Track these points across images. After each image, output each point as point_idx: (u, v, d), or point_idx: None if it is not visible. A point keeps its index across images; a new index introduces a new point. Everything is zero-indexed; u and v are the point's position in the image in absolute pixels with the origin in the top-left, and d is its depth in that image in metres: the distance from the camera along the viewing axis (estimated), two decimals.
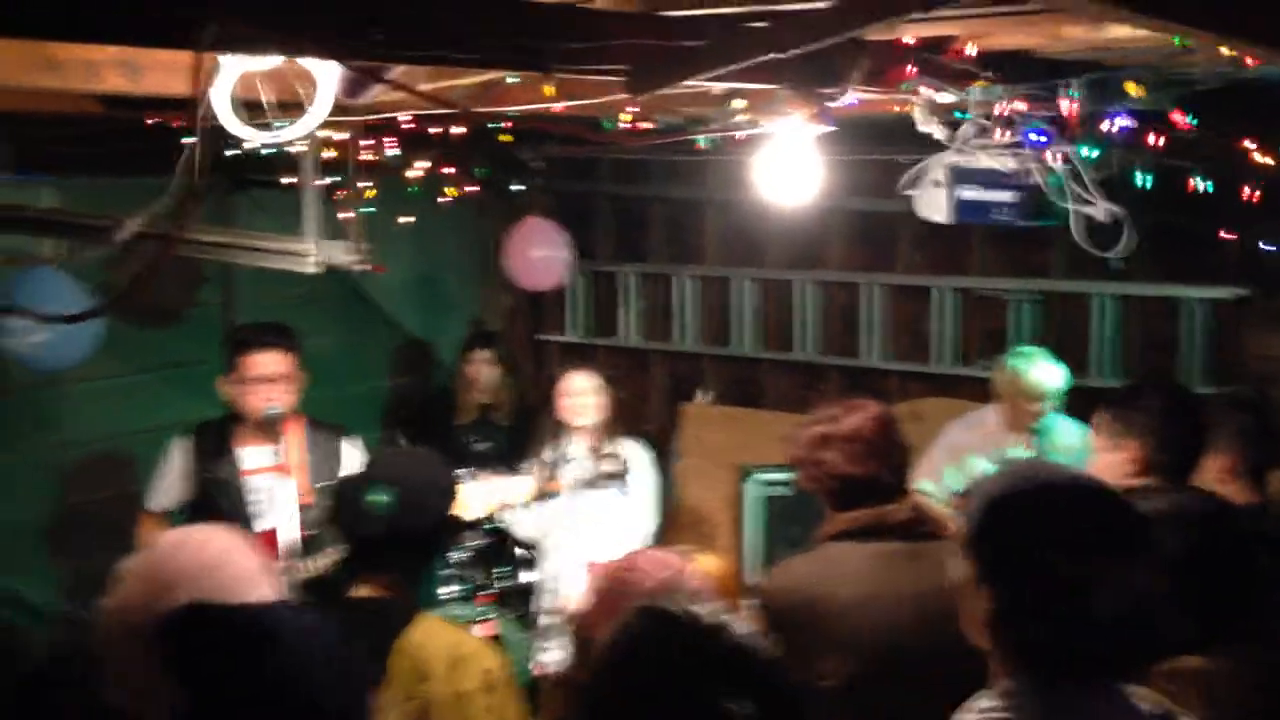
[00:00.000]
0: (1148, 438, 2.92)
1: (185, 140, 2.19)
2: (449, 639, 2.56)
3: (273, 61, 2.23)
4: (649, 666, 1.42)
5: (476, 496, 3.95)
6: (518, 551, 5.05)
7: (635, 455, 4.75)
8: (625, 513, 4.59)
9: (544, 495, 4.62)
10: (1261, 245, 4.19)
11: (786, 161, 3.09)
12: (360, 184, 4.13)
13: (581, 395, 4.65)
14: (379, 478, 2.64)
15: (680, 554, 2.58)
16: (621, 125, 3.75)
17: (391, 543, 2.58)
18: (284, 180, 4.23)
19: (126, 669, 1.86)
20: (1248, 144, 2.98)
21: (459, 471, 4.08)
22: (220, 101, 2.34)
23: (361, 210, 4.12)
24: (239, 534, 2.21)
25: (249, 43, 1.82)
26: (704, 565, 2.65)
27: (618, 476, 4.53)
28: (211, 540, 2.15)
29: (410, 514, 2.59)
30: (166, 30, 1.72)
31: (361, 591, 2.61)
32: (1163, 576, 1.73)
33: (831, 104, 2.89)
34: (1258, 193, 3.23)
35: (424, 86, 3.07)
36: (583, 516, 4.62)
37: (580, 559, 4.54)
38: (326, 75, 2.25)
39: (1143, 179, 3.31)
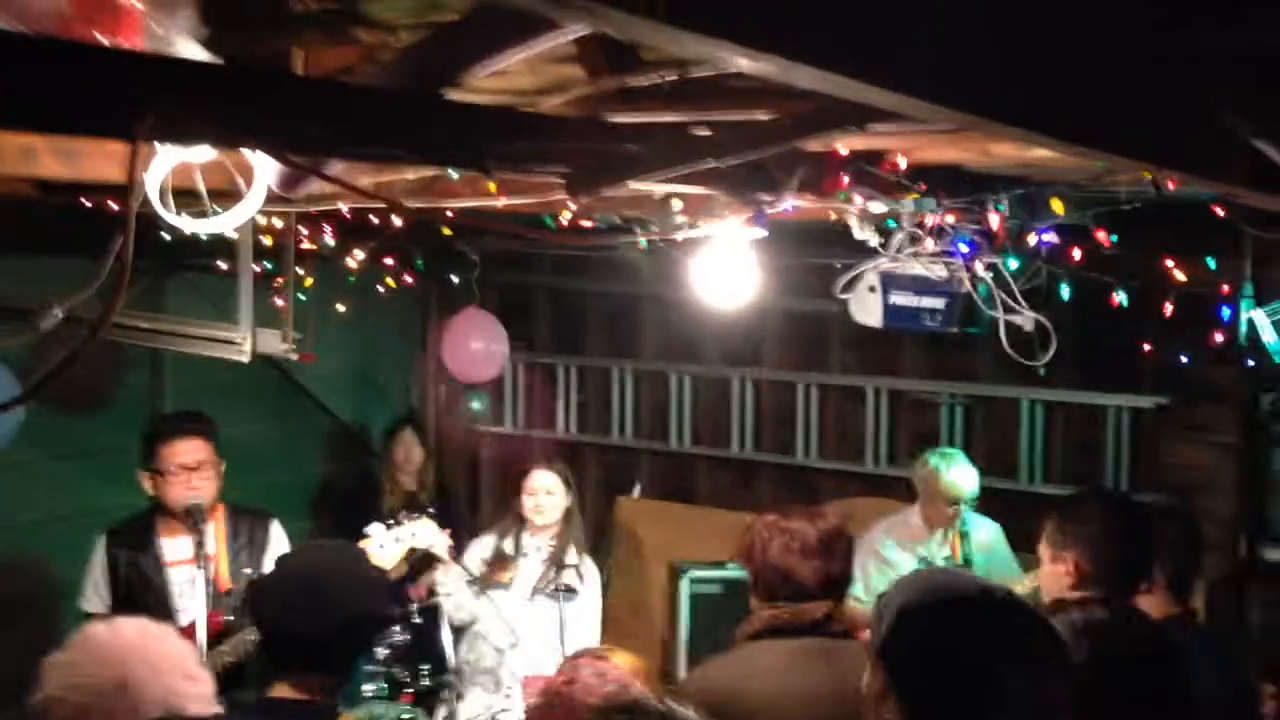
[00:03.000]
0: (1085, 550, 2.92)
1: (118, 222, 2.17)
2: None
3: (211, 152, 2.23)
4: None
5: (386, 544, 3.89)
6: (445, 650, 4.95)
7: (589, 571, 4.71)
8: (570, 625, 4.51)
9: (492, 584, 4.54)
10: (1181, 358, 4.31)
11: (723, 264, 3.14)
12: (296, 271, 4.11)
13: (544, 494, 4.60)
14: (293, 574, 2.58)
15: (599, 654, 2.57)
16: (562, 222, 3.79)
17: (309, 641, 2.51)
18: (219, 264, 4.21)
19: None
20: (1167, 262, 3.09)
21: (372, 526, 4.01)
22: (154, 189, 2.32)
23: (297, 298, 4.09)
24: (159, 625, 2.19)
25: (186, 135, 1.82)
26: (622, 662, 2.64)
27: (572, 591, 4.48)
28: (139, 629, 2.14)
29: (327, 611, 2.52)
30: (103, 120, 1.72)
31: (280, 692, 2.53)
32: (1069, 688, 1.74)
33: (768, 210, 2.96)
34: (1171, 307, 3.33)
35: (366, 180, 3.09)
36: (529, 623, 4.54)
37: (514, 663, 4.45)
38: (264, 166, 2.26)
39: (1067, 291, 3.40)
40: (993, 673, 1.68)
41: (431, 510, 4.41)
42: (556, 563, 4.57)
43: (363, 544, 3.81)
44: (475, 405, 6.20)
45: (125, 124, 1.63)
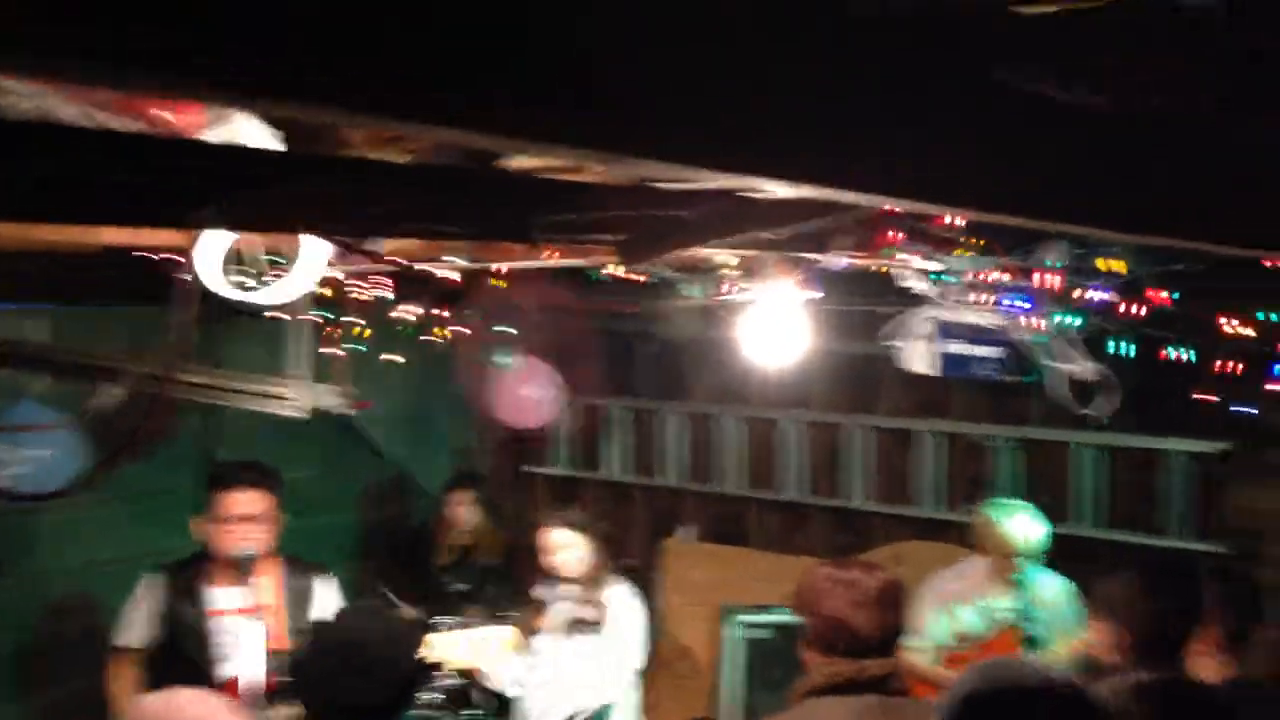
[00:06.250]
0: (1117, 619, 2.89)
1: (179, 275, 2.21)
2: None
3: None
4: None
5: (456, 648, 3.89)
6: (493, 688, 4.96)
7: (621, 598, 4.68)
8: (603, 661, 4.50)
9: (530, 632, 4.56)
10: (1241, 408, 4.22)
11: (773, 323, 3.13)
12: (350, 321, 4.15)
13: (562, 550, 4.59)
14: (330, 645, 2.58)
15: None
16: (614, 275, 3.80)
17: (353, 710, 2.51)
18: (276, 314, 4.26)
19: None
20: (1227, 320, 3.03)
21: (441, 620, 4.02)
22: (212, 265, 2.36)
23: (350, 348, 4.13)
24: (217, 697, 2.20)
25: (243, 224, 1.85)
26: None
27: (593, 625, 4.46)
28: (193, 701, 2.15)
29: (368, 679, 2.53)
30: (161, 212, 1.75)
31: None
32: None
33: (818, 269, 2.95)
34: (1236, 364, 3.27)
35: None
36: (560, 664, 4.54)
37: (555, 706, 4.45)
38: (317, 243, 2.29)
39: (1124, 348, 3.35)
40: None
41: (509, 613, 4.40)
42: (582, 601, 4.57)
43: (431, 637, 3.80)
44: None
45: (184, 216, 1.66)
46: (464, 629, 4.04)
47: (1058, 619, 4.53)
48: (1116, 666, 2.69)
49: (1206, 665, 2.99)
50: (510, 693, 4.62)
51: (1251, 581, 3.40)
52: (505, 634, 4.22)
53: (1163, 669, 2.58)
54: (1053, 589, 4.60)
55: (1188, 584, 3.00)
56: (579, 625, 4.45)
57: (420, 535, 5.82)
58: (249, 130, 2.19)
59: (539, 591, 4.63)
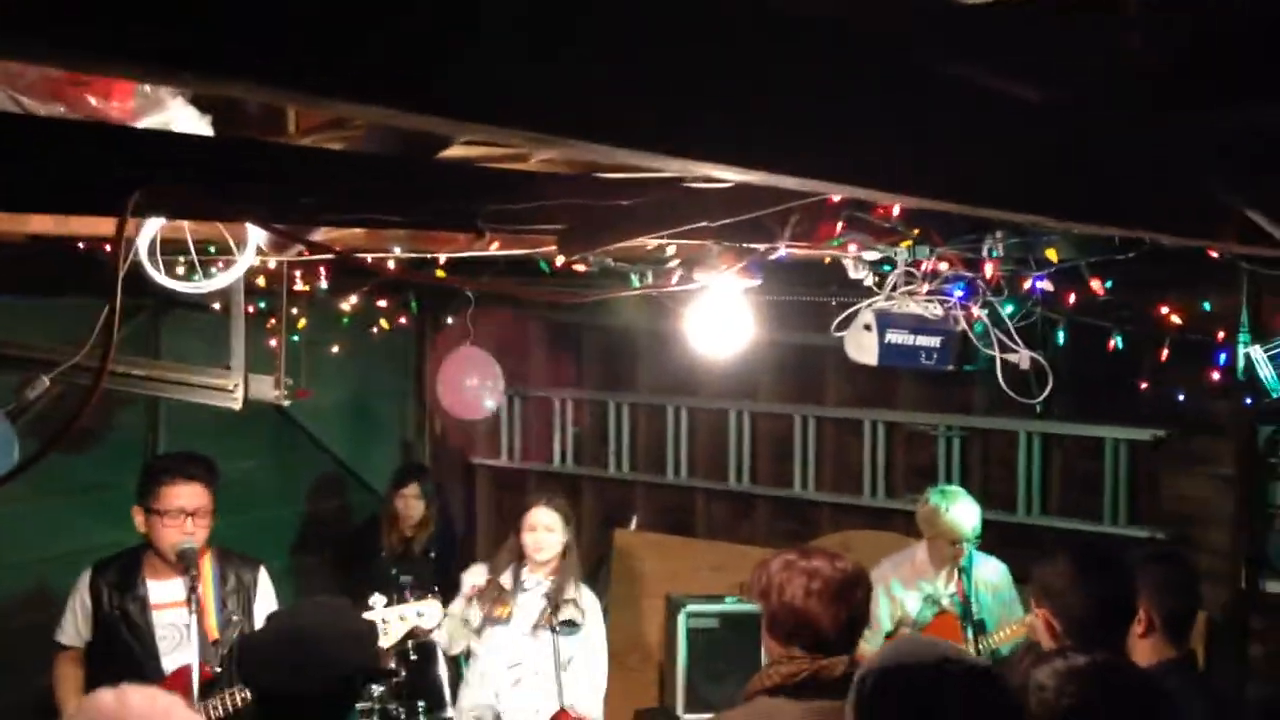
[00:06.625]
0: (1052, 608, 2.92)
1: (108, 264, 2.16)
2: None
3: None
4: None
5: (390, 620, 3.89)
6: (441, 685, 4.94)
7: (590, 603, 4.69)
8: (575, 659, 4.50)
9: (492, 619, 4.54)
10: (1178, 395, 4.30)
11: (717, 313, 3.13)
12: (291, 311, 4.10)
13: (544, 531, 4.59)
14: (281, 634, 2.56)
15: None
16: (556, 264, 3.79)
17: (300, 700, 2.49)
18: (213, 306, 4.20)
19: None
20: (1162, 309, 3.08)
21: (375, 598, 4.01)
22: (144, 248, 2.32)
23: (291, 339, 4.08)
24: (169, 695, 2.16)
25: (174, 210, 1.81)
26: None
27: (574, 626, 4.45)
28: (147, 699, 2.11)
29: (320, 670, 2.51)
30: (89, 198, 1.71)
31: None
32: None
33: (762, 259, 2.95)
34: (1166, 352, 3.33)
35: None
36: (530, 657, 4.53)
37: (521, 700, 4.45)
38: (253, 230, 2.25)
39: (1062, 335, 3.40)
40: None
41: (436, 588, 4.39)
42: (555, 598, 4.56)
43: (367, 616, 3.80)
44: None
45: (112, 202, 1.62)
46: (393, 607, 4.01)
47: (999, 602, 4.60)
48: (1056, 650, 2.72)
49: (1144, 648, 3.04)
50: (453, 651, 4.61)
51: (1188, 565, 3.45)
52: (434, 610, 4.18)
53: (1101, 652, 2.61)
54: (994, 571, 4.67)
55: (1124, 568, 3.04)
56: (561, 625, 4.44)
57: (366, 528, 5.79)
58: (182, 116, 2.15)
59: (505, 579, 4.61)
